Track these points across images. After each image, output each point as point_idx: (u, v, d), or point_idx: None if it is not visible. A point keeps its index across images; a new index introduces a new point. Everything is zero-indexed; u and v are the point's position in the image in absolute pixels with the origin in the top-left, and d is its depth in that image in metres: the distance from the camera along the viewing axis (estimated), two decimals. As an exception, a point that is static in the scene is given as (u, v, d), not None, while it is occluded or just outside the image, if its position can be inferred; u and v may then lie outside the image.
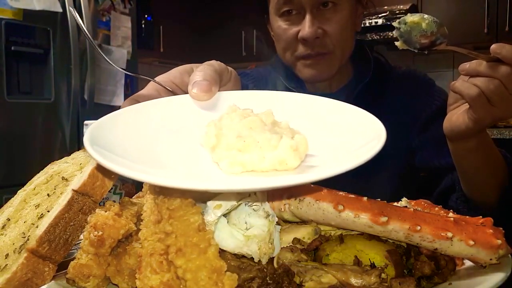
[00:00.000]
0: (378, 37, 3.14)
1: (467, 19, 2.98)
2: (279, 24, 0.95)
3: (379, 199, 0.48)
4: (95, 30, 2.40)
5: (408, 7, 3.07)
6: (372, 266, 0.44)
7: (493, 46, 0.62)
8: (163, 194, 0.44)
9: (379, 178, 0.96)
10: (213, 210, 0.46)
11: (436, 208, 0.56)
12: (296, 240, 0.47)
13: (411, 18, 0.68)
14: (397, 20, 0.68)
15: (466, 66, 0.64)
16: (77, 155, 0.59)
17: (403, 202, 0.56)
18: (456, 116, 0.70)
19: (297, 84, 1.01)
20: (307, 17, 0.89)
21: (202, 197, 0.46)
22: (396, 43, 0.67)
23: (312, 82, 0.99)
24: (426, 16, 0.67)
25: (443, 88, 1.01)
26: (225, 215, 0.46)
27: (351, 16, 0.93)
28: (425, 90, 0.98)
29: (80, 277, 0.44)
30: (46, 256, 0.46)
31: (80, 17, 2.24)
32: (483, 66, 0.63)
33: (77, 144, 2.30)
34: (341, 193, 0.49)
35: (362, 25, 3.43)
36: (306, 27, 0.89)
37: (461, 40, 3.04)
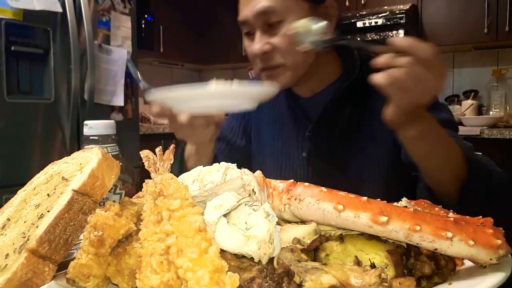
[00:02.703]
0: (378, 37, 3.14)
1: (467, 19, 2.98)
2: (245, 43, 1.05)
3: (379, 199, 0.48)
4: (95, 30, 2.40)
5: (408, 7, 3.07)
6: (372, 266, 0.44)
7: (388, 40, 0.69)
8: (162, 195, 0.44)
9: (370, 176, 0.99)
10: (213, 211, 0.46)
11: (436, 208, 0.56)
12: (296, 240, 0.47)
13: (300, 23, 0.79)
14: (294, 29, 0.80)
15: (378, 60, 0.70)
16: (77, 155, 0.58)
17: (403, 202, 0.56)
18: (385, 107, 0.75)
19: (287, 93, 1.11)
20: (256, 35, 0.98)
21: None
22: (301, 47, 0.78)
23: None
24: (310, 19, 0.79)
25: None
26: (225, 215, 0.46)
27: None
28: None
29: (80, 277, 0.45)
30: (46, 256, 0.46)
31: (80, 17, 2.25)
32: (388, 58, 0.69)
33: (77, 144, 2.30)
34: (341, 193, 0.49)
35: (362, 25, 3.39)
36: (255, 44, 0.98)
37: (461, 40, 3.05)
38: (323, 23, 0.77)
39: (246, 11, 0.98)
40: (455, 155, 0.80)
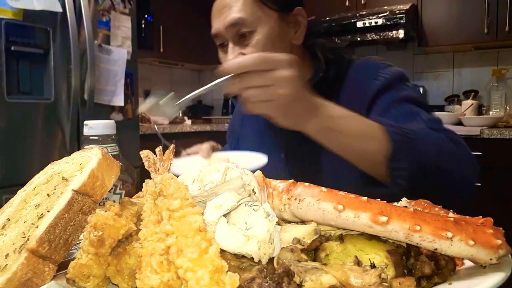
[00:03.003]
0: (378, 37, 3.14)
1: (467, 19, 2.98)
2: (219, 55, 1.09)
3: (378, 199, 0.49)
4: (95, 30, 2.40)
5: (408, 7, 3.07)
6: (372, 266, 0.44)
7: (216, 71, 0.71)
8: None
9: (345, 171, 0.99)
10: (213, 211, 0.46)
11: (436, 208, 0.56)
12: (296, 240, 0.47)
13: (146, 106, 0.79)
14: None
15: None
16: (77, 155, 0.58)
17: (403, 202, 0.56)
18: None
19: None
20: (229, 46, 1.01)
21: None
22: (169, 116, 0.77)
23: None
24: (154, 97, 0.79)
25: (401, 70, 1.05)
26: (225, 215, 0.46)
27: (273, 36, 1.01)
28: (372, 73, 1.02)
29: (80, 277, 0.45)
30: (46, 256, 0.46)
31: (80, 17, 2.25)
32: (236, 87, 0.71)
33: (77, 144, 2.30)
34: (341, 193, 0.49)
35: (362, 25, 3.39)
36: (228, 55, 1.02)
37: (461, 40, 3.05)
38: (168, 96, 0.77)
39: (217, 24, 1.01)
40: (374, 145, 0.77)
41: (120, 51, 2.55)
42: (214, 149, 1.15)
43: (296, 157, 1.09)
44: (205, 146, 1.13)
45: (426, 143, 0.79)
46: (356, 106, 1.03)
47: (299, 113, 0.73)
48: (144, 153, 0.52)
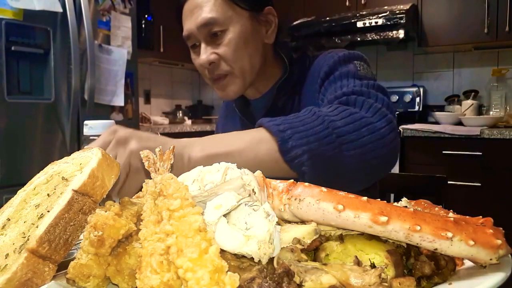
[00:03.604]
0: (378, 37, 3.14)
1: (467, 19, 2.98)
2: (192, 57, 1.09)
3: (378, 199, 0.49)
4: (95, 30, 2.40)
5: (408, 7, 3.07)
6: (372, 266, 0.44)
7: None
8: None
9: None
10: (213, 210, 0.46)
11: (436, 208, 0.56)
12: (296, 240, 0.47)
13: None
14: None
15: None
16: (77, 155, 0.58)
17: (403, 202, 0.56)
18: None
19: (238, 101, 1.18)
20: (202, 46, 1.02)
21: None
22: None
23: (226, 100, 1.17)
24: None
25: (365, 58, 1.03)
26: (225, 215, 0.46)
27: (245, 34, 1.02)
28: (326, 63, 1.02)
29: (80, 277, 0.44)
30: (46, 256, 0.46)
31: (80, 17, 2.25)
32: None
33: (77, 144, 2.30)
34: (341, 193, 0.49)
35: (362, 25, 3.40)
36: (201, 55, 1.02)
37: (461, 40, 3.05)
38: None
39: (189, 25, 1.02)
40: (263, 147, 0.74)
41: (120, 51, 2.55)
42: None
43: None
44: None
45: (312, 119, 0.75)
46: (313, 99, 1.03)
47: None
48: (144, 153, 0.52)
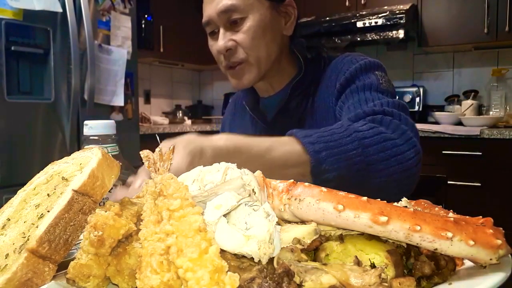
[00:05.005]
0: (378, 37, 3.14)
1: (467, 19, 2.98)
2: (209, 43, 1.09)
3: (378, 199, 0.49)
4: (95, 30, 2.40)
5: (408, 7, 3.07)
6: (372, 266, 0.44)
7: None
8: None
9: None
10: (213, 210, 0.46)
11: (436, 208, 0.56)
12: (296, 240, 0.47)
13: None
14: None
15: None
16: (77, 155, 0.58)
17: (403, 202, 0.56)
18: None
19: (249, 98, 1.18)
20: (220, 32, 1.02)
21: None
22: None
23: (238, 89, 1.16)
24: None
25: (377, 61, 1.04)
26: (225, 215, 0.46)
27: (265, 23, 1.02)
28: (344, 68, 1.03)
29: (80, 277, 0.44)
30: (46, 256, 0.46)
31: (80, 17, 2.25)
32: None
33: (77, 144, 2.30)
34: (341, 193, 0.49)
35: (362, 25, 3.40)
36: (219, 41, 1.02)
37: (461, 40, 3.05)
38: None
39: (209, 11, 1.03)
40: (294, 160, 0.75)
41: (120, 51, 2.55)
42: None
43: None
44: None
45: (346, 141, 0.77)
46: (328, 101, 1.04)
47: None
48: (144, 153, 0.52)
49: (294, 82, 1.08)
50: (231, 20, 1.01)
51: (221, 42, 1.02)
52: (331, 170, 0.74)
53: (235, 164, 0.55)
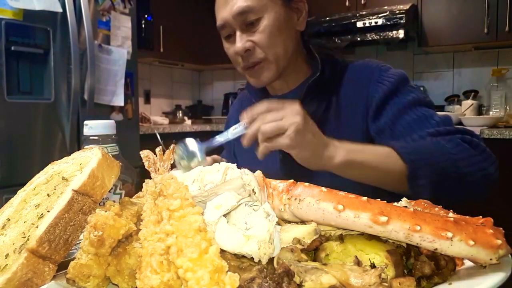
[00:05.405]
0: (378, 37, 3.14)
1: (467, 19, 2.98)
2: (225, 46, 1.11)
3: (378, 199, 0.49)
4: (95, 30, 2.40)
5: (408, 7, 3.07)
6: (372, 266, 0.44)
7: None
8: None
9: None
10: (213, 211, 0.46)
11: (436, 208, 0.56)
12: (296, 240, 0.47)
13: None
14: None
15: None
16: (77, 155, 0.58)
17: (403, 202, 0.56)
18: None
19: (260, 96, 1.18)
20: (237, 34, 1.04)
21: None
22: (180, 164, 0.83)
23: (259, 87, 1.17)
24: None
25: (403, 72, 1.07)
26: (225, 215, 0.46)
27: (279, 21, 1.04)
28: (375, 76, 1.05)
29: (80, 277, 0.45)
30: (46, 256, 0.46)
31: (80, 17, 2.25)
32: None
33: (77, 144, 2.30)
34: (341, 193, 0.49)
35: (362, 25, 3.39)
36: (237, 43, 1.03)
37: (461, 40, 3.05)
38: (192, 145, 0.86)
39: (224, 14, 1.03)
40: (393, 170, 0.83)
41: (120, 51, 2.55)
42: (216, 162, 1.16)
43: (293, 159, 1.10)
44: (208, 161, 1.14)
45: (439, 155, 0.85)
46: (355, 106, 1.04)
47: (313, 144, 0.78)
48: (144, 153, 0.52)
49: (311, 81, 1.09)
50: (247, 21, 1.02)
51: (239, 44, 1.03)
52: (424, 176, 0.81)
53: (235, 164, 0.55)
